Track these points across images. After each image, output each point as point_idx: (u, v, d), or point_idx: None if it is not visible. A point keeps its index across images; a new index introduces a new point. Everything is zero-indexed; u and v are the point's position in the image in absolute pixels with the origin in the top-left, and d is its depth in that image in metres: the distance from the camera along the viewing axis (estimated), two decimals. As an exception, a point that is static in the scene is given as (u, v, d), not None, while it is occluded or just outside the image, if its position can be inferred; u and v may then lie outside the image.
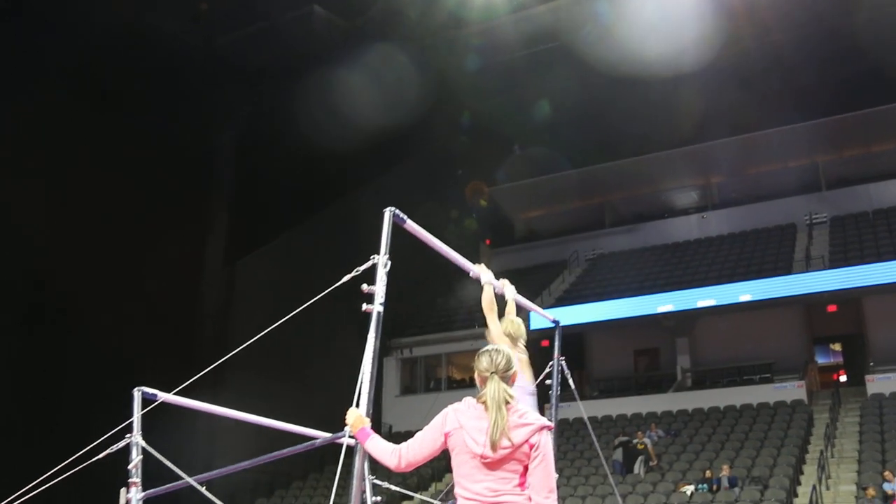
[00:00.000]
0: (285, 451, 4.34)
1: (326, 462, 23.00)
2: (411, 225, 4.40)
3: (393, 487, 7.66)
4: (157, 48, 20.86)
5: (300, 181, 24.39)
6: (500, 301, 5.37)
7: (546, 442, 3.41)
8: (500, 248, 32.53)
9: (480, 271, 5.33)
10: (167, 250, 21.76)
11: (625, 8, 21.00)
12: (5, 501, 5.28)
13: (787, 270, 23.65)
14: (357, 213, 25.50)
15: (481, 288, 5.29)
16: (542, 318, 8.41)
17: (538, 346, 24.23)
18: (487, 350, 3.57)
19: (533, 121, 27.34)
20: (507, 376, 3.49)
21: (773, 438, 19.19)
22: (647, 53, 21.83)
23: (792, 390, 21.46)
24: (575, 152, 29.40)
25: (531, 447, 3.37)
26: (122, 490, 5.28)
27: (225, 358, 4.65)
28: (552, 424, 3.49)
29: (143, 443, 5.26)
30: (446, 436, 3.45)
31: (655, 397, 23.52)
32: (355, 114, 22.84)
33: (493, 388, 3.42)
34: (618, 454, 19.38)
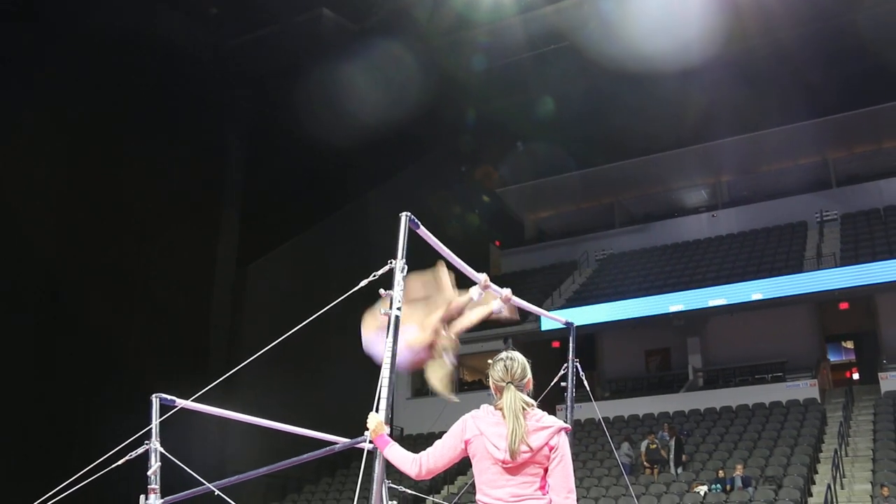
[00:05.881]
0: (305, 456, 4.34)
1: (338, 466, 23.03)
2: (424, 231, 4.40)
3: (407, 491, 7.68)
4: (166, 52, 20.95)
5: (310, 183, 24.44)
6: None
7: (564, 443, 3.46)
8: (510, 250, 32.50)
9: (479, 281, 5.05)
10: (178, 255, 21.85)
11: (630, 5, 20.94)
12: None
13: (799, 268, 23.55)
14: (367, 214, 25.59)
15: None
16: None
17: (549, 347, 24.33)
18: (501, 358, 3.58)
19: (540, 121, 27.29)
20: (522, 384, 3.51)
21: (787, 437, 19.12)
22: (653, 51, 21.75)
23: (805, 389, 21.38)
24: (583, 152, 29.34)
25: (551, 449, 3.41)
26: (142, 497, 5.28)
27: (243, 364, 4.66)
28: (569, 426, 3.52)
29: (161, 449, 5.27)
30: (466, 443, 3.48)
31: (667, 397, 23.46)
32: (363, 114, 22.84)
33: (510, 397, 3.45)
34: (636, 452, 19.34)
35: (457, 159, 31.17)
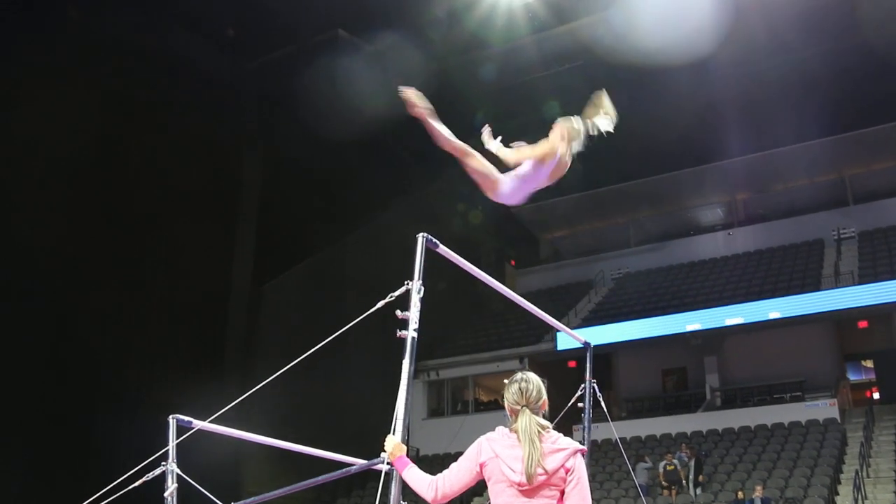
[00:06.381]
0: (321, 478, 4.32)
1: (355, 486, 22.94)
2: (444, 250, 4.38)
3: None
4: (184, 72, 21.15)
5: (327, 201, 24.55)
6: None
7: (580, 465, 3.43)
8: (526, 269, 32.47)
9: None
10: (194, 274, 21.94)
11: (643, 24, 20.98)
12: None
13: (816, 287, 23.40)
14: (383, 232, 25.64)
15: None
16: (570, 338, 8.39)
17: (565, 367, 24.22)
18: (516, 380, 3.56)
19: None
20: (537, 407, 3.50)
21: (806, 458, 18.91)
22: (668, 69, 21.80)
23: (824, 408, 21.14)
24: (598, 171, 29.29)
25: (567, 471, 3.39)
26: (158, 518, 5.28)
27: (260, 385, 4.65)
28: (585, 448, 3.49)
29: (178, 470, 5.26)
30: (482, 466, 3.46)
31: (684, 417, 23.28)
32: (379, 134, 22.93)
33: (525, 421, 3.43)
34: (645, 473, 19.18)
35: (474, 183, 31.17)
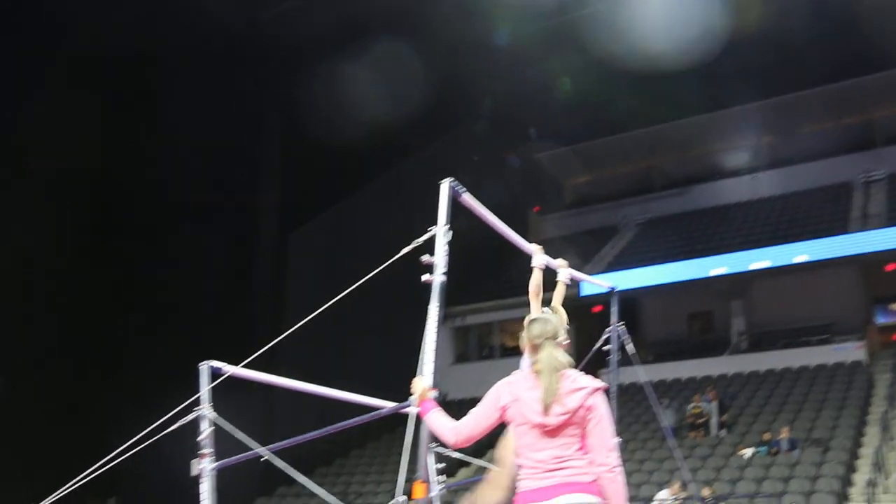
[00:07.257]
0: (351, 420, 4.42)
1: (383, 431, 23.25)
2: (467, 198, 4.38)
3: (453, 455, 7.75)
4: (198, 26, 20.99)
5: (348, 152, 24.50)
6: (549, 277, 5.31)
7: (601, 403, 3.45)
8: (549, 215, 32.33)
9: (534, 251, 5.30)
10: (219, 225, 22.06)
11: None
12: (79, 477, 5.41)
13: (844, 230, 23.17)
14: (405, 182, 25.58)
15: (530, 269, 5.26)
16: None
17: (588, 313, 24.24)
18: (537, 318, 3.62)
19: (577, 84, 27.00)
20: (558, 343, 3.52)
21: (833, 400, 18.92)
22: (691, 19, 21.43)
23: (851, 351, 21.11)
24: (621, 116, 28.97)
25: (588, 410, 3.40)
26: (194, 461, 5.40)
27: (288, 332, 4.73)
28: (606, 385, 3.51)
29: (213, 415, 5.38)
30: (503, 409, 3.49)
31: (710, 361, 23.32)
32: (398, 83, 22.80)
33: (547, 353, 3.46)
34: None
35: (494, 127, 30.98)
